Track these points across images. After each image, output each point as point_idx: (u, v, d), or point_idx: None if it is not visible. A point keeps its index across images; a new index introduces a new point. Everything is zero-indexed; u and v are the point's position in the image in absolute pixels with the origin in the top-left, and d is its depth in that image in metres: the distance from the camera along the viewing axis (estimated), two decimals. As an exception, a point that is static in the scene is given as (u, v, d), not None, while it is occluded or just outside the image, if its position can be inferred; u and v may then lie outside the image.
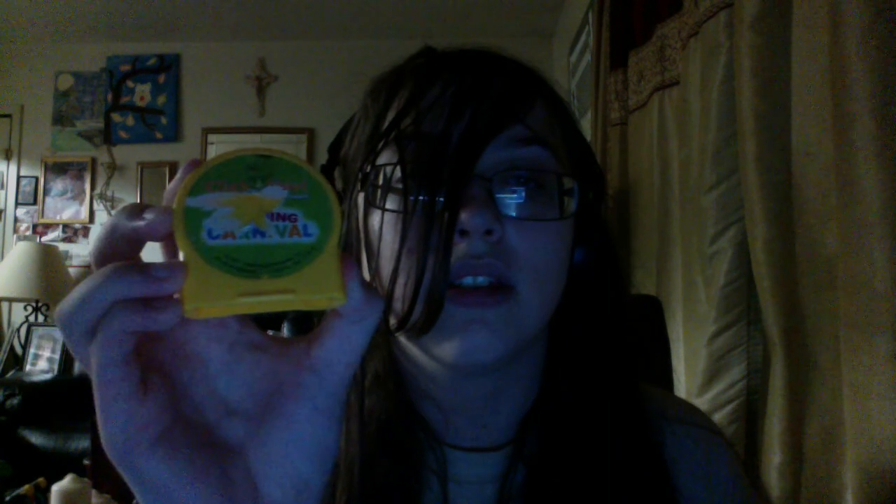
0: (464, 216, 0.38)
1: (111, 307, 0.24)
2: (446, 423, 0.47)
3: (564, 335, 0.48)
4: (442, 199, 0.39)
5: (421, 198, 0.40)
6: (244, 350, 0.28)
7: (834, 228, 0.76)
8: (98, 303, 0.24)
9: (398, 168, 0.41)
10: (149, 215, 0.26)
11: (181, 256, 0.25)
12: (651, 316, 0.94)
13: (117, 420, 0.25)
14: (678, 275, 1.29)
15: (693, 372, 1.10)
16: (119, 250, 0.26)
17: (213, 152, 3.42)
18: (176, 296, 0.25)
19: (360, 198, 0.44)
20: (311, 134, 3.34)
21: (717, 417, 1.02)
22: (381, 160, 0.42)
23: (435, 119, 0.41)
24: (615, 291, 0.48)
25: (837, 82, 0.70)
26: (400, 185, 0.41)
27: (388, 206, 0.42)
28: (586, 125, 2.17)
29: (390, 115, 0.43)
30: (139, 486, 0.26)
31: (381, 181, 0.42)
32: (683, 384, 1.18)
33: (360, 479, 0.43)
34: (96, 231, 3.40)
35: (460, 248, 0.39)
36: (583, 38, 2.47)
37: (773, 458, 0.90)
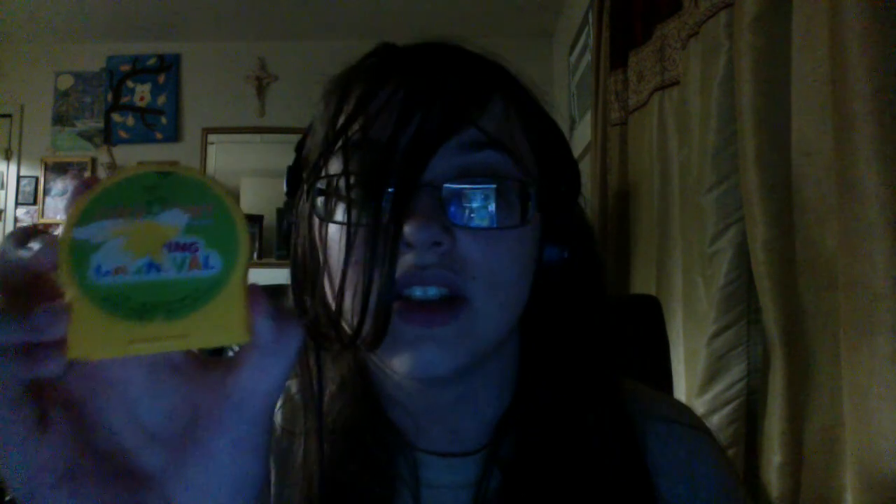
0: (408, 229, 0.36)
1: None
2: (417, 428, 0.45)
3: (538, 335, 0.46)
4: (388, 210, 0.37)
5: (366, 209, 0.38)
6: (165, 373, 0.26)
7: (834, 228, 0.76)
8: None
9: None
10: (35, 246, 0.24)
11: (67, 295, 0.23)
12: (651, 316, 0.94)
13: (13, 464, 0.24)
14: (678, 275, 1.29)
15: (693, 372, 1.10)
16: (12, 280, 0.24)
17: (213, 152, 3.43)
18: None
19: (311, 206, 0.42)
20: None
21: (717, 417, 1.02)
22: (330, 168, 0.41)
23: (383, 124, 0.39)
24: (591, 288, 0.46)
25: (837, 82, 0.70)
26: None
27: (338, 216, 0.40)
28: (586, 125, 2.17)
29: (341, 120, 0.41)
30: None
31: (330, 191, 0.40)
32: (683, 384, 1.18)
33: (319, 492, 0.42)
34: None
35: (407, 258, 0.38)
36: (583, 38, 2.47)
37: (773, 458, 0.90)
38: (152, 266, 0.24)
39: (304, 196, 0.42)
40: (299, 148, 0.48)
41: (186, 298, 0.24)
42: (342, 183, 0.40)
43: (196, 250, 0.24)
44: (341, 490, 0.43)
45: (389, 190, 0.38)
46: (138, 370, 0.26)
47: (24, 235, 0.25)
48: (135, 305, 0.23)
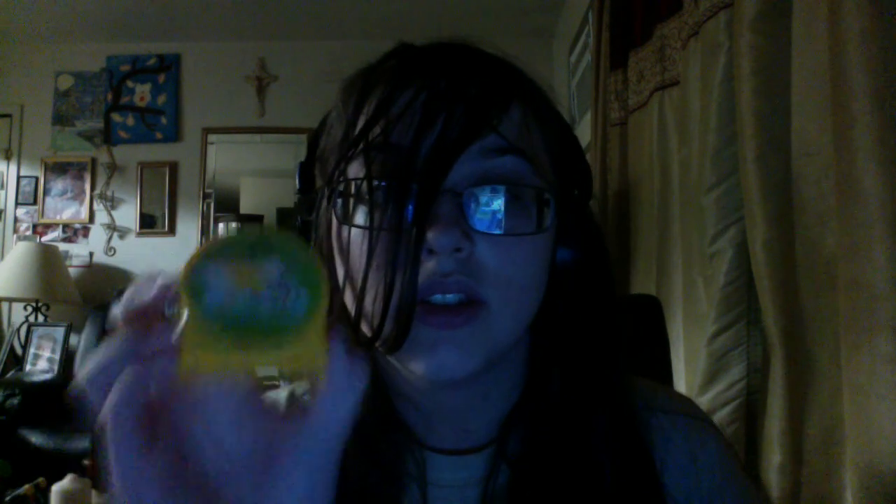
0: (430, 235, 0.37)
1: (120, 370, 0.28)
2: (426, 426, 0.46)
3: (549, 334, 0.47)
4: (410, 215, 0.38)
5: (388, 214, 0.39)
6: (251, 411, 0.30)
7: (834, 228, 0.76)
8: (109, 367, 0.28)
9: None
10: (160, 281, 0.29)
11: (184, 319, 0.29)
12: (651, 316, 0.94)
13: (125, 476, 0.28)
14: (678, 275, 1.29)
15: (693, 372, 1.10)
16: (140, 311, 0.29)
17: (212, 152, 3.43)
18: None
19: (331, 209, 0.43)
20: (310, 134, 3.33)
21: (717, 417, 1.02)
22: (351, 171, 0.41)
23: (405, 129, 0.40)
24: (602, 290, 0.47)
25: (837, 82, 0.70)
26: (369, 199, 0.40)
27: (358, 218, 0.41)
28: (586, 125, 2.18)
29: (361, 122, 0.42)
30: None
31: (350, 193, 0.41)
32: (683, 384, 1.18)
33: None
34: (96, 232, 3.40)
35: (429, 266, 0.38)
36: (583, 38, 2.47)
37: (773, 458, 0.90)
38: (254, 299, 0.29)
39: (325, 198, 0.43)
40: (312, 145, 0.48)
41: (277, 327, 0.29)
42: (364, 187, 0.40)
43: (288, 290, 0.29)
44: (350, 487, 0.43)
45: (411, 196, 0.38)
46: (228, 408, 0.29)
47: (152, 276, 0.30)
48: (236, 332, 0.28)
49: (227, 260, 0.29)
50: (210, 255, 0.29)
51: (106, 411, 0.28)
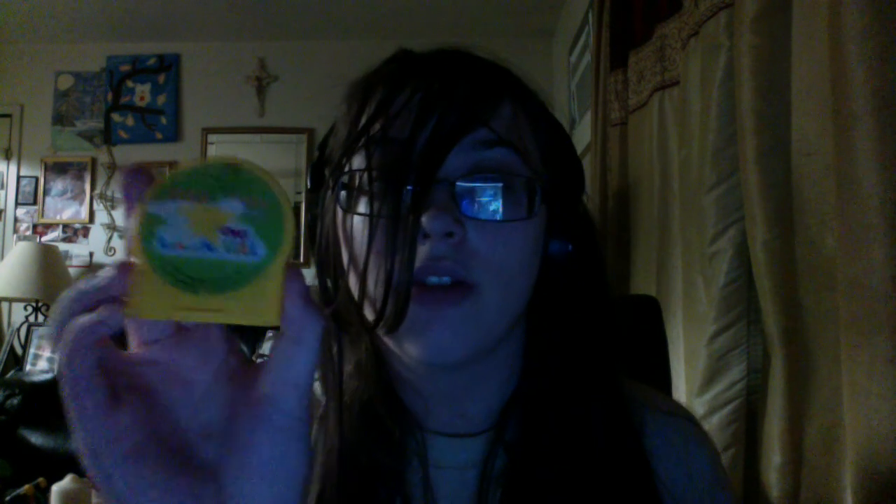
0: (424, 220, 0.40)
1: (70, 320, 0.27)
2: (426, 409, 0.48)
3: (544, 324, 0.49)
4: (407, 202, 0.40)
5: (387, 202, 0.41)
6: (226, 377, 0.30)
7: (834, 228, 0.76)
8: (61, 317, 0.27)
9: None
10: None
11: (134, 261, 0.27)
12: (651, 316, 0.94)
13: (85, 433, 0.27)
14: (678, 275, 1.29)
15: (693, 372, 1.10)
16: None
17: (213, 152, 3.42)
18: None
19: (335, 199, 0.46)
20: (310, 134, 3.33)
21: (717, 417, 1.02)
22: (354, 164, 0.44)
23: (402, 125, 0.43)
24: (594, 282, 0.49)
25: (837, 82, 0.70)
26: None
27: (360, 208, 0.43)
28: (586, 125, 2.17)
29: (363, 120, 0.45)
30: (109, 497, 0.27)
31: (352, 185, 0.44)
32: (683, 384, 1.18)
33: (338, 465, 0.44)
34: (96, 232, 3.40)
35: (423, 249, 0.41)
36: (583, 38, 2.47)
37: (773, 458, 0.90)
38: (206, 245, 0.27)
39: (329, 190, 0.46)
40: (322, 146, 0.51)
41: (229, 278, 0.27)
42: (365, 177, 0.43)
43: (245, 237, 0.27)
44: (357, 464, 0.45)
45: (408, 185, 0.41)
46: (204, 374, 0.29)
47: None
48: (186, 277, 0.27)
49: (185, 195, 0.27)
50: (170, 188, 0.27)
51: (60, 362, 0.26)
